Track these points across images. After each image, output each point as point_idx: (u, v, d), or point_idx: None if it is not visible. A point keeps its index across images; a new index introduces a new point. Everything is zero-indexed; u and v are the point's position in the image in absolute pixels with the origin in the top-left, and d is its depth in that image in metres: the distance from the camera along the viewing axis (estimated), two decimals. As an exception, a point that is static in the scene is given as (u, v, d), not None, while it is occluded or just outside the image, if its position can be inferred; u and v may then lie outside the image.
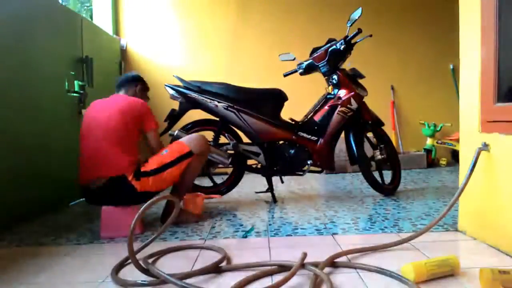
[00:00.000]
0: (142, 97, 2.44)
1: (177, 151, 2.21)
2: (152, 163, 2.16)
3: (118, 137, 2.11)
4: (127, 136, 2.15)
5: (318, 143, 2.80)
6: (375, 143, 2.99)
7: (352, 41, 2.78)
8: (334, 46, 2.79)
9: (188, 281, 1.39)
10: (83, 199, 2.36)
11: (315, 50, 2.91)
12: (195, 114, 2.90)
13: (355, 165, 2.93)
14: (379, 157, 2.91)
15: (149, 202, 1.46)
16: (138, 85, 2.44)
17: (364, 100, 2.89)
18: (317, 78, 3.17)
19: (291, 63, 3.02)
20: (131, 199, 2.12)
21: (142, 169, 2.13)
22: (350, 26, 2.74)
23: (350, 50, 2.81)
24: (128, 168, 2.09)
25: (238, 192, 3.27)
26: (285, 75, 3.04)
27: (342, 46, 2.76)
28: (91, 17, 4.50)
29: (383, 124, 3.00)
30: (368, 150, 2.96)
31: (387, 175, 3.04)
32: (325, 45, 2.89)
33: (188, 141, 2.27)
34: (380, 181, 2.95)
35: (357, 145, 2.85)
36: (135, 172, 2.10)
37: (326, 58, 2.82)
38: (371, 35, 2.76)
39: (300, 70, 2.95)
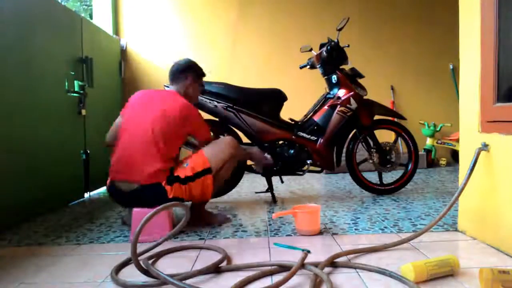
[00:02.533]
0: (194, 90, 2.27)
1: (199, 166, 2.06)
2: (185, 170, 2.04)
3: (158, 142, 1.99)
4: (169, 141, 2.03)
5: (318, 143, 2.80)
6: (372, 145, 2.96)
7: (340, 45, 2.83)
8: (323, 54, 2.84)
9: (188, 281, 1.39)
10: (107, 192, 2.18)
11: (322, 45, 2.92)
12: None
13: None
14: (374, 159, 2.93)
15: (159, 207, 1.46)
16: (188, 76, 2.23)
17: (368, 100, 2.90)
18: (317, 77, 3.18)
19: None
20: (161, 203, 1.97)
21: (175, 173, 2.03)
22: (338, 30, 2.82)
23: (340, 54, 2.84)
24: (163, 175, 2.00)
25: (238, 192, 3.27)
26: (300, 67, 3.12)
27: (325, 54, 2.81)
28: (91, 17, 4.50)
29: (404, 118, 3.04)
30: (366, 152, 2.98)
31: (387, 175, 3.04)
32: (320, 49, 2.92)
33: (210, 154, 2.10)
34: (378, 182, 2.97)
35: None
36: (167, 178, 2.00)
37: (319, 64, 2.90)
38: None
39: (308, 66, 3.05)
